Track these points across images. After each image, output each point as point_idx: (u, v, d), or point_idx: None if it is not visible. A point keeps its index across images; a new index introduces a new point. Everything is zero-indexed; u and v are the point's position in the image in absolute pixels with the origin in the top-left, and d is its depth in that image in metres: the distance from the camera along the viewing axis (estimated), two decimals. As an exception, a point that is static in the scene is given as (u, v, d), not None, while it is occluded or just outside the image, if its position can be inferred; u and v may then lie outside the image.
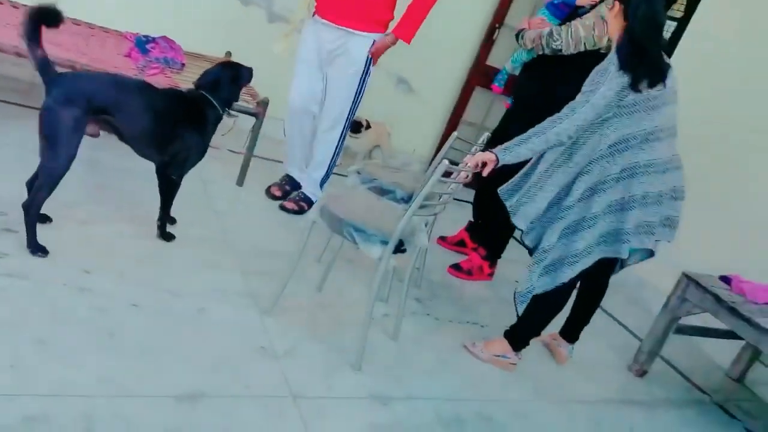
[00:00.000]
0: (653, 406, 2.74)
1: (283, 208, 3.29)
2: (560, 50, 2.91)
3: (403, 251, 2.28)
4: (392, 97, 4.86)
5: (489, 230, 3.37)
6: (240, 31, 4.17)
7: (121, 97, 2.21)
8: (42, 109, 2.05)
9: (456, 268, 3.33)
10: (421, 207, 2.21)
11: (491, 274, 3.39)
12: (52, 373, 1.68)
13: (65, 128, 2.05)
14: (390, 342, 2.47)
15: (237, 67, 2.66)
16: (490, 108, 5.17)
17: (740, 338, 2.77)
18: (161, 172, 2.43)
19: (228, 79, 2.53)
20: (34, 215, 2.13)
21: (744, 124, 3.58)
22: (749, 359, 3.22)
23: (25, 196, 2.14)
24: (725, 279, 2.85)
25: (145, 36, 3.51)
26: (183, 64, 3.51)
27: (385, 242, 2.15)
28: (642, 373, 2.92)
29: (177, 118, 2.35)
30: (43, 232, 2.17)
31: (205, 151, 2.52)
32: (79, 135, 2.11)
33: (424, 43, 4.78)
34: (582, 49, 2.89)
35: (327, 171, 3.34)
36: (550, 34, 2.92)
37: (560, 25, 2.96)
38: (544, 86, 3.01)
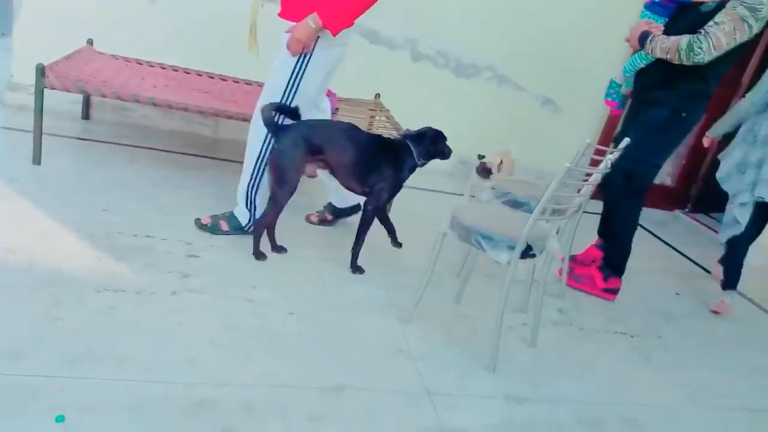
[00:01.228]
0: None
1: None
2: (704, 62, 2.70)
3: (533, 256, 2.35)
4: (539, 117, 4.93)
5: (608, 241, 3.21)
6: (388, 73, 4.54)
7: (331, 137, 2.69)
8: (273, 152, 2.62)
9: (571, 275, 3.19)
10: (552, 213, 2.29)
11: (608, 290, 3.15)
12: (222, 367, 2.00)
13: (291, 166, 2.60)
14: (527, 348, 2.53)
15: (440, 133, 2.95)
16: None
17: None
18: (364, 206, 2.82)
19: (430, 137, 2.86)
20: (260, 231, 2.73)
21: None
22: None
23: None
24: None
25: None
26: (336, 108, 3.92)
27: (512, 247, 2.25)
28: (825, 385, 2.62)
29: (379, 157, 2.75)
30: (220, 257, 2.62)
31: (399, 189, 2.87)
32: (301, 171, 2.65)
33: (566, 62, 4.83)
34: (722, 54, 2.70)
35: (250, 179, 2.79)
36: (690, 47, 2.68)
37: (668, 22, 2.86)
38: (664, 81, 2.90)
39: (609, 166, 2.54)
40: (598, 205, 3.27)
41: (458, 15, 4.56)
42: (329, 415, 1.90)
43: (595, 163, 2.66)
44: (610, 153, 2.60)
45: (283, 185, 2.62)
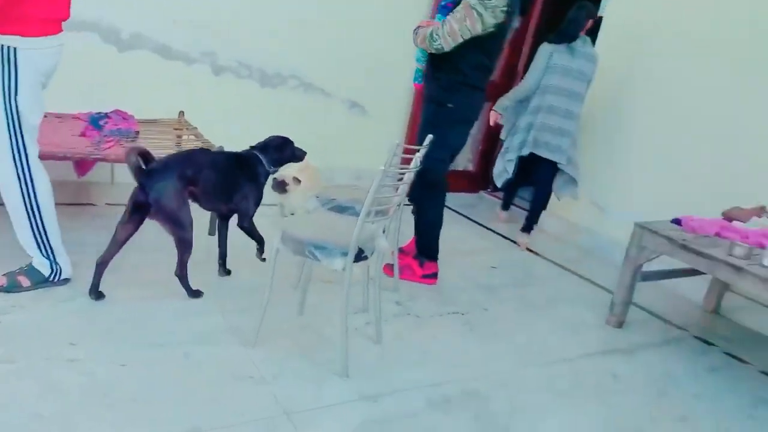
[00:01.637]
0: (633, 351, 2.89)
1: None
2: (443, 48, 2.98)
3: (365, 258, 2.43)
4: (348, 121, 5.08)
5: (417, 231, 3.38)
6: (188, 89, 4.36)
7: (197, 164, 2.68)
8: (154, 200, 2.49)
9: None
10: (376, 215, 2.38)
11: (426, 276, 3.33)
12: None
13: (179, 203, 2.55)
14: (374, 346, 2.62)
15: (285, 140, 3.08)
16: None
17: (699, 273, 2.93)
18: (239, 225, 2.90)
19: (275, 146, 2.99)
20: (185, 274, 2.70)
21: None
22: (719, 290, 3.37)
23: None
24: (676, 221, 3.02)
25: (97, 113, 3.68)
26: (137, 132, 3.68)
27: (345, 253, 2.31)
28: (619, 324, 3.07)
29: (236, 173, 2.84)
30: (27, 317, 2.33)
31: (261, 198, 2.95)
32: (187, 204, 2.62)
33: (368, 66, 5.02)
34: (461, 41, 2.96)
35: (31, 225, 2.47)
36: (432, 35, 2.98)
37: None
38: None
39: (419, 163, 2.71)
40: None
41: (256, 25, 4.52)
42: (187, 463, 1.81)
43: (406, 161, 2.82)
44: (418, 151, 2.77)
45: (182, 225, 2.58)
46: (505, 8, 2.93)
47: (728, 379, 2.74)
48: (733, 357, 2.96)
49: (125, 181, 3.87)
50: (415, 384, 2.38)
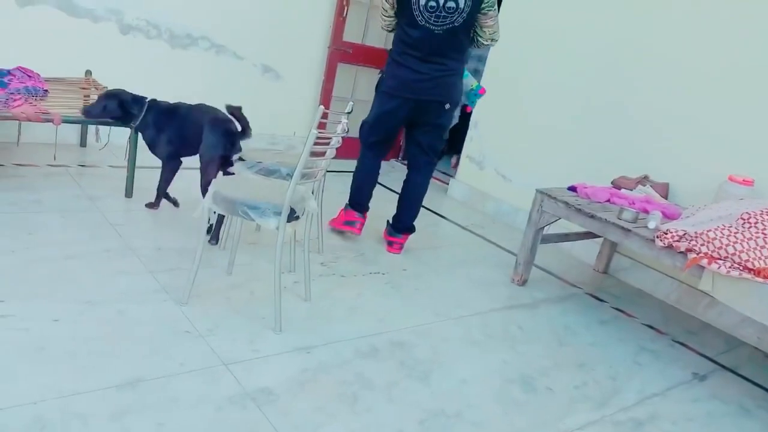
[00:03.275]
0: (535, 305, 3.21)
1: None
2: (383, 28, 3.46)
3: (297, 218, 2.54)
4: (261, 86, 5.07)
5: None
6: (95, 48, 4.19)
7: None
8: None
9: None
10: (303, 177, 2.48)
11: (347, 222, 3.60)
12: (-6, 391, 1.80)
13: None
14: (304, 303, 2.74)
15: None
16: (355, 81, 5.50)
17: (593, 236, 3.29)
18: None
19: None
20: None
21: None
22: (609, 253, 3.78)
23: None
24: (572, 188, 3.35)
25: (-1, 69, 3.48)
26: (46, 90, 3.52)
27: (278, 213, 2.40)
28: (523, 282, 3.39)
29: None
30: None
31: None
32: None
33: (281, 30, 5.03)
34: (384, 20, 3.38)
35: None
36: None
37: None
38: None
39: (346, 129, 2.83)
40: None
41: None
42: (132, 410, 1.86)
43: (322, 125, 2.90)
44: (344, 117, 2.89)
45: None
46: None
47: (617, 330, 3.12)
48: (621, 311, 3.36)
49: (32, 141, 3.73)
50: (345, 336, 2.54)
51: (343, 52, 5.24)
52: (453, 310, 2.98)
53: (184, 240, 3.04)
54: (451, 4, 3.10)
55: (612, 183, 3.53)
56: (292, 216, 2.48)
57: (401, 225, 3.58)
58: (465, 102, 3.68)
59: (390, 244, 3.59)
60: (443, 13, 3.11)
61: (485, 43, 3.33)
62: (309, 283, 2.77)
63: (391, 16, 3.30)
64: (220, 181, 2.58)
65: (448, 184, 5.16)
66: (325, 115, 2.97)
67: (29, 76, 3.59)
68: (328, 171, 3.31)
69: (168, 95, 4.55)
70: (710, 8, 3.41)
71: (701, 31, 3.44)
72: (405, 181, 3.61)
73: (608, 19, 3.93)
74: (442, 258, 3.66)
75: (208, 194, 2.51)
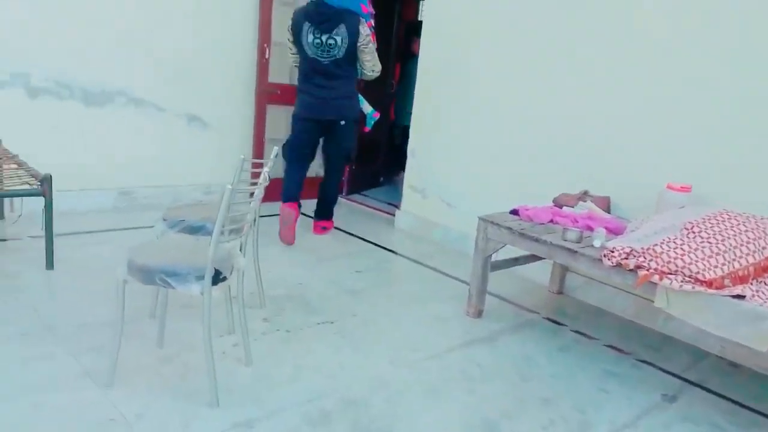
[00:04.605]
0: (493, 338, 3.07)
1: None
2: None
3: (224, 279, 2.34)
4: (188, 136, 4.87)
5: None
6: (3, 116, 3.94)
7: None
8: None
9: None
10: (230, 233, 2.29)
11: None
12: None
13: None
14: (244, 368, 2.53)
15: None
16: (287, 121, 5.34)
17: (540, 258, 3.19)
18: None
19: None
20: None
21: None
22: (561, 272, 3.70)
23: None
24: (514, 212, 3.26)
25: None
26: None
27: (201, 277, 2.20)
28: (478, 313, 3.25)
29: None
30: None
31: None
32: None
33: (203, 77, 4.86)
34: (291, 56, 4.37)
35: None
36: None
37: None
38: None
39: (267, 177, 2.64)
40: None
41: (69, 41, 4.18)
42: None
43: (255, 175, 2.74)
44: (270, 162, 2.73)
45: None
46: (290, 30, 4.16)
47: (579, 356, 2.97)
48: (581, 334, 3.23)
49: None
50: (291, 402, 2.33)
51: (271, 94, 5.10)
52: (408, 354, 2.81)
53: (111, 311, 2.78)
54: (331, 41, 4.02)
55: (553, 201, 3.45)
56: (218, 278, 2.28)
57: (320, 215, 4.58)
58: (365, 124, 4.59)
59: (315, 227, 4.57)
60: (326, 48, 4.04)
61: (368, 73, 4.26)
62: (248, 345, 2.56)
63: (295, 53, 4.21)
64: (134, 247, 2.36)
65: (394, 215, 5.03)
66: (256, 165, 2.80)
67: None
68: (261, 216, 3.16)
69: (88, 156, 4.35)
70: (641, 19, 3.39)
71: (632, 41, 3.42)
72: (321, 183, 4.56)
73: (537, 32, 3.90)
74: (394, 297, 3.50)
75: (122, 264, 2.28)
